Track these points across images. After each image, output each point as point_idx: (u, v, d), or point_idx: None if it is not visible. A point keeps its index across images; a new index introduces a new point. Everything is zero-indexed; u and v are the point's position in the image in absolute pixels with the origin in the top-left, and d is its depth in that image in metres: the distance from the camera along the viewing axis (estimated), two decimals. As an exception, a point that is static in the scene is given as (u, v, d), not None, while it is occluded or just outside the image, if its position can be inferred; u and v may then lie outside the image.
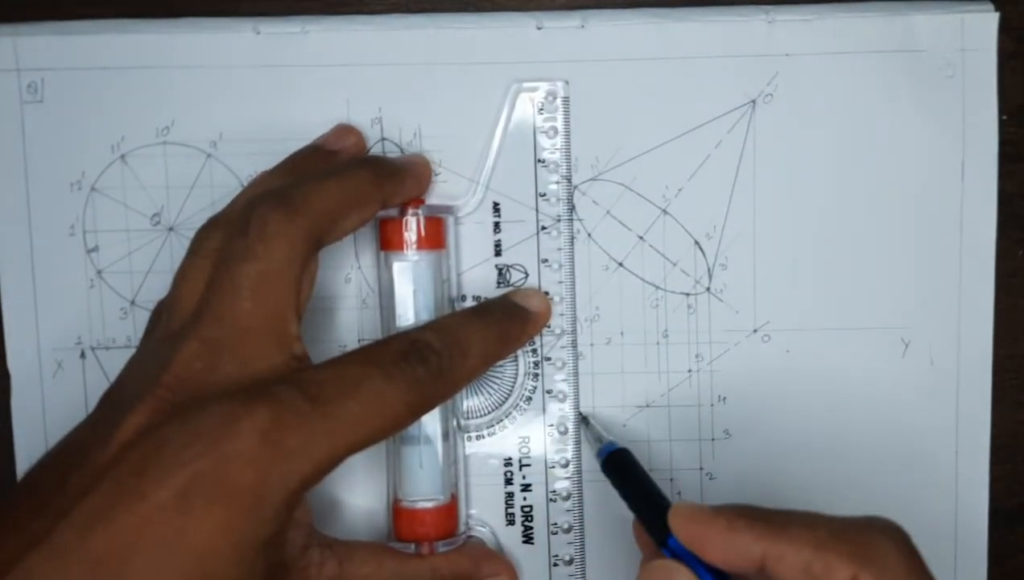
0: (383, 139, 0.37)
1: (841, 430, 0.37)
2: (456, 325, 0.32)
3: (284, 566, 0.29)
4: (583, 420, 0.37)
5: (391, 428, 0.29)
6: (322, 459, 0.27)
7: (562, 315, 0.37)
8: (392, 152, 0.37)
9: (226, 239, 0.30)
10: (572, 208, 0.37)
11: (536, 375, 0.37)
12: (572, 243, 0.37)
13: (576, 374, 0.37)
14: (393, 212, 0.35)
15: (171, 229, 0.37)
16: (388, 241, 0.35)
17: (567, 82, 0.36)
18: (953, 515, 0.37)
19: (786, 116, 0.37)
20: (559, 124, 0.36)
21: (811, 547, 0.26)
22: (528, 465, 0.37)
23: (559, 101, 0.36)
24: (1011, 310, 0.38)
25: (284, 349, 0.29)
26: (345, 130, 0.36)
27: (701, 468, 0.38)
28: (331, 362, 0.29)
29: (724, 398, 0.37)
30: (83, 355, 0.37)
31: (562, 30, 0.36)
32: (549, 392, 0.37)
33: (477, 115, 0.37)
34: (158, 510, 0.25)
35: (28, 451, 0.37)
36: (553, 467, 0.37)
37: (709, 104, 0.37)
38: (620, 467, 0.34)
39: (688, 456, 0.38)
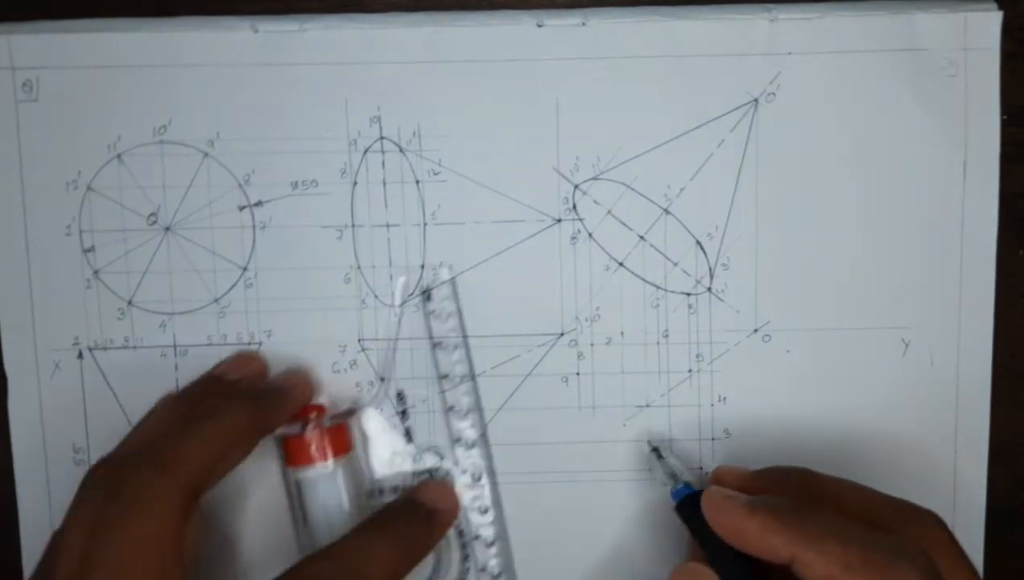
0: (382, 137, 0.37)
1: (841, 430, 0.37)
2: (355, 548, 0.32)
3: None
4: (655, 452, 0.36)
5: None
6: None
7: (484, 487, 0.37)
8: (391, 151, 0.37)
9: (102, 502, 0.29)
10: (573, 215, 0.37)
11: (466, 557, 0.37)
12: (483, 422, 0.37)
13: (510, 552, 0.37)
14: (295, 428, 0.34)
15: (168, 229, 0.37)
16: (293, 457, 0.35)
17: (451, 267, 0.37)
18: (951, 515, 0.37)
19: (788, 115, 0.36)
20: (452, 307, 0.37)
21: (839, 565, 0.27)
22: None
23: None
24: (1011, 310, 0.38)
25: None
26: (247, 358, 0.36)
27: (701, 468, 0.38)
28: None
29: (724, 398, 0.37)
30: (80, 355, 0.37)
31: (563, 28, 0.36)
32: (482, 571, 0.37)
33: (477, 113, 0.36)
34: None
35: (25, 451, 0.37)
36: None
37: (711, 103, 0.36)
38: (693, 510, 0.32)
39: (688, 456, 0.38)
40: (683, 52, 0.36)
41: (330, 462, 0.34)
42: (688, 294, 0.37)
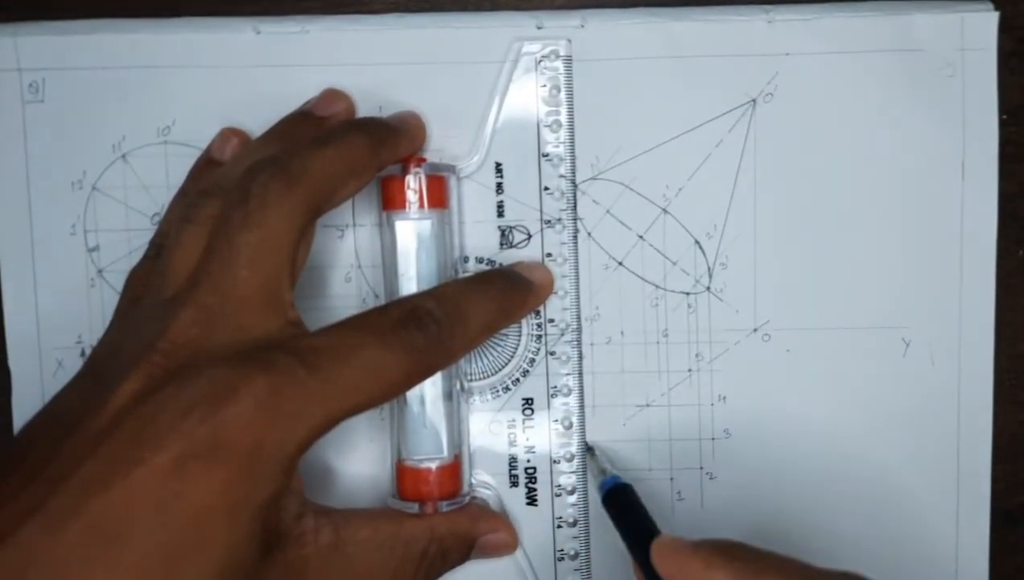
0: (383, 138, 0.37)
1: (841, 430, 0.37)
2: (457, 293, 0.32)
3: (280, 534, 0.29)
4: (588, 450, 0.37)
5: (387, 394, 0.29)
6: (318, 424, 0.27)
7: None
8: (392, 151, 0.37)
9: (224, 208, 0.30)
10: (575, 205, 0.37)
11: (539, 337, 0.37)
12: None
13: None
14: (395, 170, 0.35)
15: (172, 228, 0.37)
16: (391, 200, 0.35)
17: (569, 41, 0.36)
18: (954, 515, 0.37)
19: (786, 115, 0.37)
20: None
21: None
22: (531, 427, 0.37)
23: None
24: (1011, 310, 0.38)
25: (280, 316, 0.29)
26: (334, 95, 0.36)
27: (701, 467, 0.38)
28: (329, 328, 0.29)
29: (724, 398, 0.37)
30: (83, 354, 0.37)
31: (562, 29, 0.36)
32: (553, 354, 0.37)
33: (478, 115, 0.37)
34: (155, 474, 0.25)
35: (29, 450, 0.37)
36: (556, 430, 0.37)
37: (709, 103, 0.37)
38: (619, 503, 0.34)
39: (688, 455, 0.38)
40: (681, 53, 0.36)
41: (425, 210, 0.35)
42: (687, 293, 0.37)
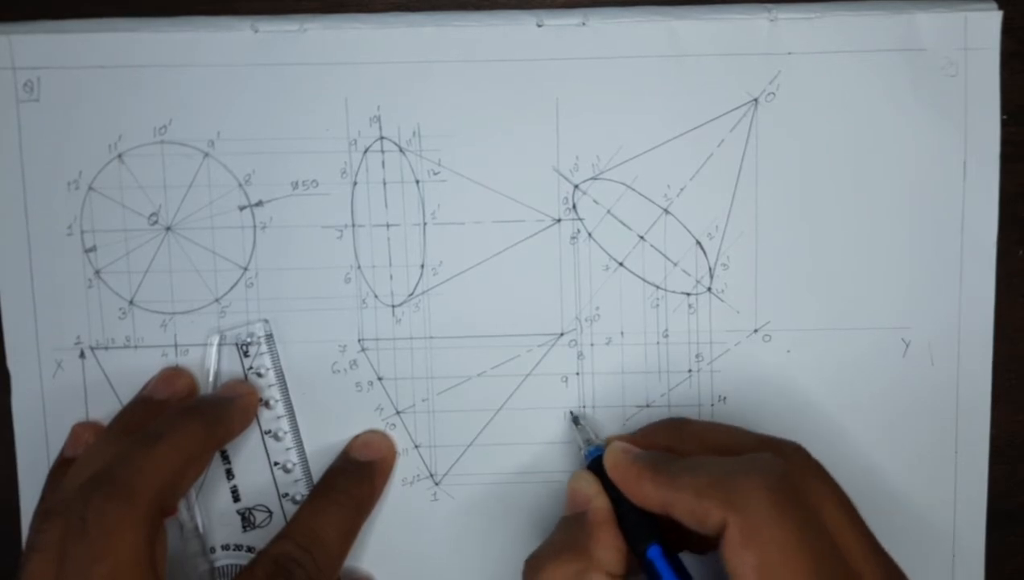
0: (382, 137, 0.37)
1: (841, 430, 0.37)
2: (309, 519, 0.34)
3: None
4: (574, 420, 0.37)
5: None
6: None
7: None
8: (391, 151, 0.37)
9: (65, 535, 0.29)
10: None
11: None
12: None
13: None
14: None
15: (169, 228, 0.37)
16: None
17: (267, 321, 0.37)
18: (952, 514, 0.37)
19: (788, 115, 0.36)
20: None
21: (692, 494, 0.28)
22: None
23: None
24: (1011, 310, 0.38)
25: None
26: (172, 375, 0.37)
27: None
28: None
29: (724, 398, 0.37)
30: (82, 355, 0.37)
31: (563, 28, 0.36)
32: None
33: (476, 113, 0.36)
34: None
35: (28, 451, 0.37)
36: None
37: (711, 103, 0.36)
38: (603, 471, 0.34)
39: (688, 455, 0.38)
40: (683, 52, 0.36)
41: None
42: (688, 294, 0.37)
